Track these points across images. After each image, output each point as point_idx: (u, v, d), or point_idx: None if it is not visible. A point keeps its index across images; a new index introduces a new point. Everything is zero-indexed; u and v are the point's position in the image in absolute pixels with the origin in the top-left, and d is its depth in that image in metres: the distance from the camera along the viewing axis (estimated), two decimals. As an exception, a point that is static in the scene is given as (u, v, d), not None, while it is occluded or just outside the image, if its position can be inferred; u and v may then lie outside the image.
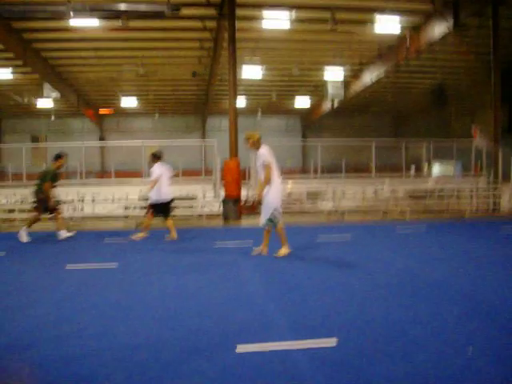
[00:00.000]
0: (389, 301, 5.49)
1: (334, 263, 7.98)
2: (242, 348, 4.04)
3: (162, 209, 11.36)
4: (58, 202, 12.05)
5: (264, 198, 8.49)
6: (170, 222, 11.47)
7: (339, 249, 9.57)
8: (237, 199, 16.02)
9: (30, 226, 11.68)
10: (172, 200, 11.60)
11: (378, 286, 6.24)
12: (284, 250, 8.65)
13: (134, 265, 8.13)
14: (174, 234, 11.35)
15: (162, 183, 11.23)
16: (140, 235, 11.36)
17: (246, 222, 15.06)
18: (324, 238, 11.01)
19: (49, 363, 3.84)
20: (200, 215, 16.08)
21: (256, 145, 8.59)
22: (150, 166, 11.50)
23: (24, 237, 11.35)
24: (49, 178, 11.48)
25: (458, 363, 3.68)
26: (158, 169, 11.24)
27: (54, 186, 11.70)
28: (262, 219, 8.67)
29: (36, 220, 11.83)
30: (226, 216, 15.70)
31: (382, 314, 5.00)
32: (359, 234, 11.98)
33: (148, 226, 11.58)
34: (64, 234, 11.67)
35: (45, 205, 11.48)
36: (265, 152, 8.46)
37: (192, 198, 16.66)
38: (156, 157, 11.52)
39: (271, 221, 8.59)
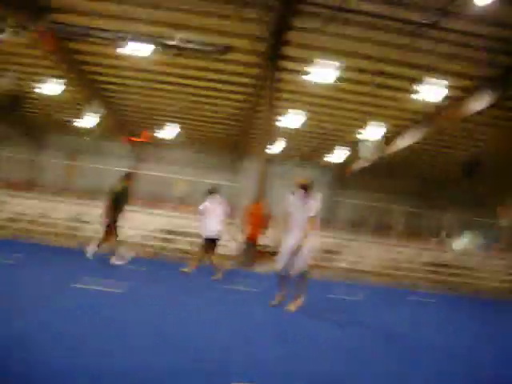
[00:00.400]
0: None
1: (333, 321, 8.02)
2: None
3: (207, 244, 11.36)
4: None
5: (301, 247, 8.24)
6: (212, 260, 11.46)
7: (348, 309, 9.59)
8: (255, 244, 16.11)
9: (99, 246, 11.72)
10: (216, 238, 11.51)
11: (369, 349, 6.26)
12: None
13: (139, 292, 8.27)
14: (219, 274, 11.29)
15: (208, 219, 11.28)
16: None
17: (260, 267, 15.15)
18: (335, 294, 11.03)
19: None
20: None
21: (309, 191, 8.45)
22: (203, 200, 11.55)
23: (90, 253, 11.45)
24: (112, 197, 11.55)
25: None
26: (207, 203, 11.34)
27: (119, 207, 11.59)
28: (295, 270, 8.36)
29: (105, 241, 11.81)
30: (242, 259, 15.84)
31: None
32: (370, 295, 11.97)
33: (197, 259, 11.53)
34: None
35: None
36: (318, 202, 8.48)
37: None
38: (209, 191, 11.65)
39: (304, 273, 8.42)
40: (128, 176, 11.86)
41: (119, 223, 11.62)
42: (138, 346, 5.16)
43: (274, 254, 16.36)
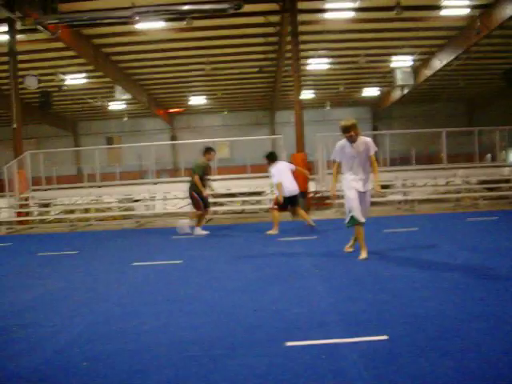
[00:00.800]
0: (447, 295, 5.35)
1: (398, 255, 7.87)
2: (290, 343, 4.07)
3: (290, 202, 11.43)
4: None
5: (366, 191, 7.83)
6: (301, 213, 11.64)
7: (405, 240, 9.42)
8: (304, 193, 15.98)
9: (199, 224, 11.86)
10: (298, 194, 11.74)
11: (438, 279, 6.09)
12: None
13: (198, 261, 8.29)
14: (311, 221, 11.49)
15: (285, 181, 11.30)
16: (273, 231, 11.30)
17: (315, 215, 15.00)
18: (391, 229, 10.85)
19: (106, 358, 4.00)
20: (268, 209, 16.14)
21: (358, 133, 7.77)
22: (268, 167, 11.60)
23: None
24: (197, 171, 11.58)
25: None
26: (276, 171, 11.36)
27: (204, 180, 11.77)
28: (366, 213, 7.91)
29: (201, 216, 11.95)
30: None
31: (438, 309, 4.89)
32: (428, 224, 11.76)
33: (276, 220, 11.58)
34: (199, 231, 11.73)
35: (201, 200, 11.59)
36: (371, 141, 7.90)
37: (260, 193, 16.75)
38: (270, 159, 11.61)
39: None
40: (207, 150, 11.83)
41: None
42: (212, 313, 5.16)
43: (326, 199, 16.32)
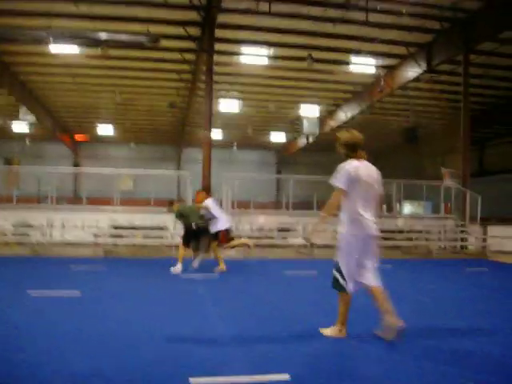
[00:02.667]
0: (346, 340, 5.54)
1: (297, 297, 8.05)
2: (194, 380, 4.06)
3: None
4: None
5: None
6: (234, 245, 11.89)
7: (304, 283, 9.64)
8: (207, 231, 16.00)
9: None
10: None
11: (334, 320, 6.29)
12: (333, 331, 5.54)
13: (97, 293, 8.09)
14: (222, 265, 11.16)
15: (218, 213, 11.29)
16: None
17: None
18: (291, 271, 11.07)
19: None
20: (169, 245, 15.99)
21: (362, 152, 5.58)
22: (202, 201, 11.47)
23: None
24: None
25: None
26: (212, 203, 11.33)
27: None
28: (372, 275, 5.39)
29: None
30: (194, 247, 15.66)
31: (335, 348, 5.05)
32: (327, 269, 12.03)
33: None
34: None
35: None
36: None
37: (162, 228, 16.61)
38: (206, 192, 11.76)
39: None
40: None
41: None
42: (111, 347, 5.04)
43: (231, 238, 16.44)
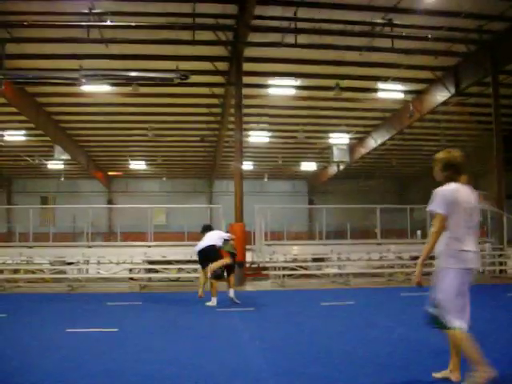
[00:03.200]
0: (385, 370, 5.45)
1: (335, 330, 7.94)
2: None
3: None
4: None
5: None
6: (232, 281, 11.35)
7: (342, 314, 9.52)
8: (242, 263, 16.00)
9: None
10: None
11: (376, 355, 6.19)
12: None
13: (135, 330, 8.11)
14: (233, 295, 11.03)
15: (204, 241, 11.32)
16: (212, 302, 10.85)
17: (251, 286, 15.02)
18: (328, 302, 10.97)
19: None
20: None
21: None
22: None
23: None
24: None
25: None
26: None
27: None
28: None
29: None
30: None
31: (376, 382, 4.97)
32: (363, 299, 11.92)
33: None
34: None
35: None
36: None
37: (197, 262, 16.62)
38: (204, 229, 11.86)
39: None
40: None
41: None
42: None
43: (262, 270, 16.39)
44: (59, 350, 6.64)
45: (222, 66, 18.75)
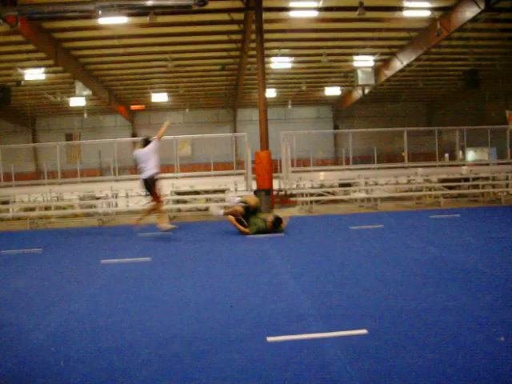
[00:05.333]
0: (420, 290, 5.44)
1: (367, 252, 7.95)
2: (272, 338, 4.07)
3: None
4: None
5: None
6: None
7: (372, 237, 9.50)
8: (269, 190, 16.02)
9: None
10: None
11: (410, 274, 6.19)
12: None
13: (167, 258, 8.23)
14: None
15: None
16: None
17: (279, 213, 15.03)
18: (356, 226, 10.96)
19: (84, 357, 3.92)
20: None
21: None
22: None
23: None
24: None
25: (490, 352, 3.63)
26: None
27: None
28: None
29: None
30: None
31: (413, 303, 4.96)
32: (392, 222, 11.89)
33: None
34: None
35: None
36: None
37: (224, 191, 16.69)
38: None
39: None
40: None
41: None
42: (188, 311, 5.12)
43: (289, 197, 16.39)
44: (97, 280, 6.77)
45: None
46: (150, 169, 10.75)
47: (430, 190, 17.06)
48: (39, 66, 24.91)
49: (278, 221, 10.49)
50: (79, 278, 7.02)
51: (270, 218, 10.57)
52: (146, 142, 11.05)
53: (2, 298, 6.05)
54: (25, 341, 4.41)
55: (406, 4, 19.40)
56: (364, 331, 4.14)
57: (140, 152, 10.95)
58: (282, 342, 4.00)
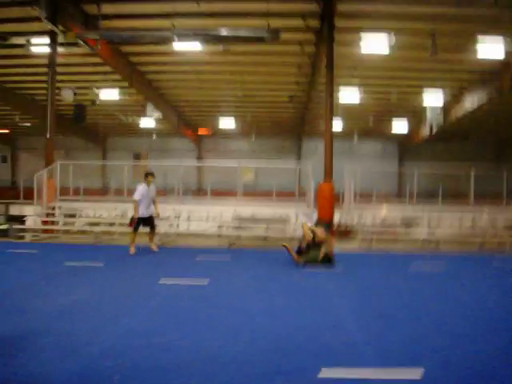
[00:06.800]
0: (478, 337, 5.29)
1: (427, 293, 7.79)
2: (325, 373, 4.05)
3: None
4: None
5: None
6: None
7: (433, 279, 9.30)
8: (329, 224, 15.92)
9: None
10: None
11: (468, 319, 6.03)
12: None
13: (224, 283, 8.29)
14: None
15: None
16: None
17: (338, 248, 14.90)
18: (417, 267, 10.74)
19: (138, 373, 4.00)
20: (291, 237, 16.04)
21: None
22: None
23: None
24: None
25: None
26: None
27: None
28: None
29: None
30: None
31: (470, 348, 4.84)
32: (454, 264, 11.59)
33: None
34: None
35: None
36: None
37: (285, 220, 16.71)
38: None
39: None
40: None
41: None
42: (242, 336, 5.15)
43: (350, 231, 16.26)
44: (153, 299, 6.90)
45: (313, 23, 18.29)
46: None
47: (495, 234, 16.55)
48: (114, 87, 25.81)
49: (327, 259, 10.48)
50: (137, 294, 7.17)
51: (322, 251, 10.55)
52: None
53: (61, 307, 6.25)
54: (82, 351, 4.56)
55: (480, 45, 19.07)
56: (420, 371, 4.07)
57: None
58: (335, 378, 3.98)
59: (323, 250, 10.47)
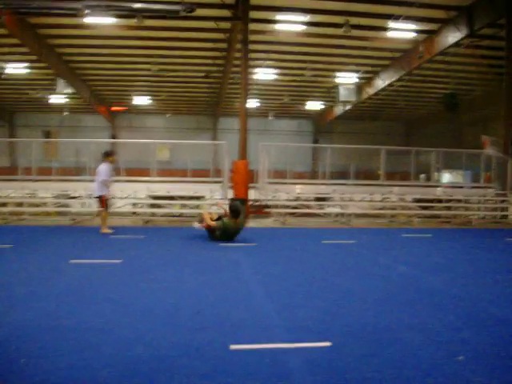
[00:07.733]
0: (385, 306, 5.52)
1: (336, 266, 8.02)
2: (235, 346, 4.10)
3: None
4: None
5: None
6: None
7: (342, 252, 9.59)
8: (244, 200, 16.02)
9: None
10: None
11: (376, 291, 6.26)
12: None
13: (137, 262, 8.19)
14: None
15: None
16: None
17: (253, 223, 15.04)
18: (329, 240, 11.04)
19: (46, 355, 3.90)
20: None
21: None
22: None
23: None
24: None
25: (447, 370, 3.71)
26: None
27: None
28: None
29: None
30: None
31: (377, 319, 5.03)
32: (364, 238, 11.98)
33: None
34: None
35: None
36: None
37: (200, 198, 16.66)
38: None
39: None
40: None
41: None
42: (153, 315, 5.12)
43: (264, 208, 16.43)
44: (63, 279, 6.73)
45: (228, -1, 18.26)
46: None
47: (404, 209, 17.25)
48: (22, 61, 24.71)
49: (234, 209, 10.79)
50: (47, 276, 6.97)
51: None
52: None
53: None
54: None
55: (392, 25, 19.70)
56: (328, 344, 4.20)
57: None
58: (245, 351, 4.04)
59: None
